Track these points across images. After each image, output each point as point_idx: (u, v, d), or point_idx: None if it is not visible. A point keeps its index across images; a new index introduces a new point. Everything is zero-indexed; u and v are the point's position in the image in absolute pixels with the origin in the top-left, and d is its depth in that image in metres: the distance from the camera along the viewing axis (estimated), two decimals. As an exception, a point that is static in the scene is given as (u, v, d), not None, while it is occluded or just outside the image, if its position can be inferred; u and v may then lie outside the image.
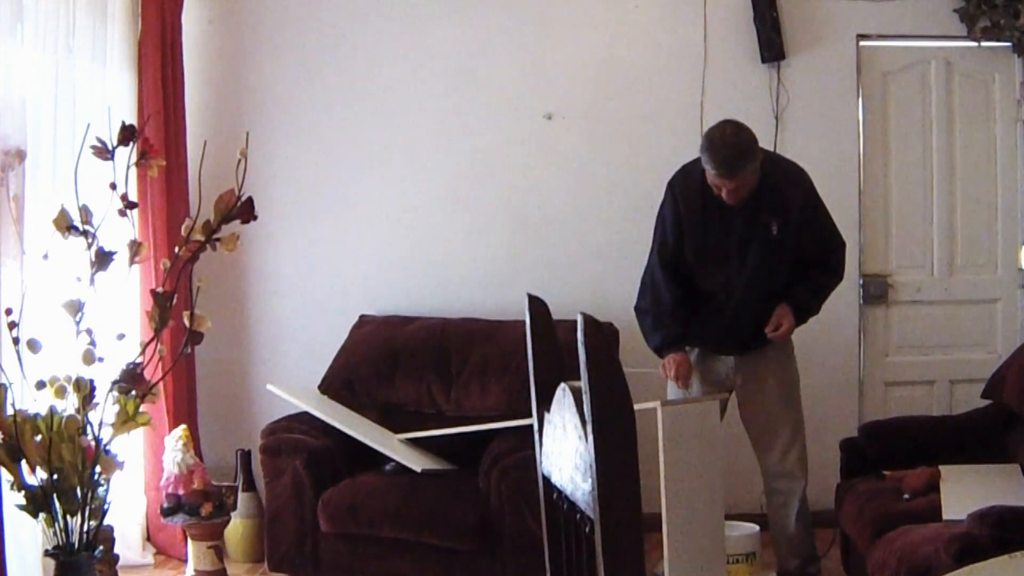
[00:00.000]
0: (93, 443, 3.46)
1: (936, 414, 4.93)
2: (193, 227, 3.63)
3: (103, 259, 3.58)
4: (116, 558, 3.96)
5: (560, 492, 1.99)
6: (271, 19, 5.23)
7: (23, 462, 3.39)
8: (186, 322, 3.68)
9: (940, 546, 3.10)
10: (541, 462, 2.15)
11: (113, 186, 3.59)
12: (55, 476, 3.41)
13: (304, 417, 4.48)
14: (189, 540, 4.51)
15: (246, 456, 4.87)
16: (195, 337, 3.69)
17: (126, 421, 3.53)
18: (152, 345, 3.63)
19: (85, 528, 3.47)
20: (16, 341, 3.39)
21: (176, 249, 3.72)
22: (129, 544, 4.65)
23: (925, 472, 3.79)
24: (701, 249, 4.04)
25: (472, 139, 5.22)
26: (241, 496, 4.80)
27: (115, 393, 3.54)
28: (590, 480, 1.71)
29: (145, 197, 4.62)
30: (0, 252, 3.76)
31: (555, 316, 2.24)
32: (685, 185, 4.04)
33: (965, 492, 3.58)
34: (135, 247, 3.67)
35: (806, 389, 4.31)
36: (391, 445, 4.41)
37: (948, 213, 5.25)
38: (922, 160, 5.24)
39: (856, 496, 3.90)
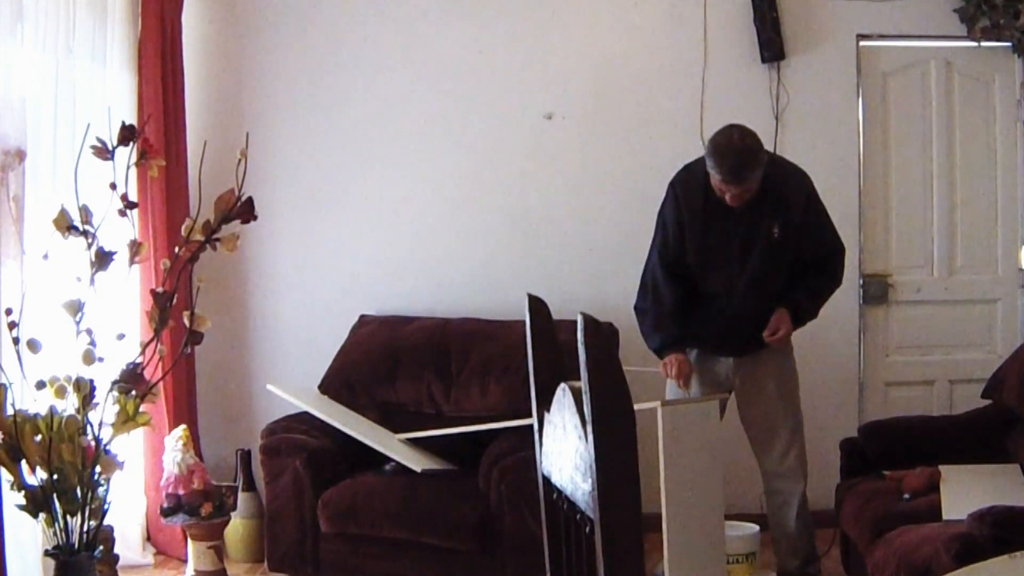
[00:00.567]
0: (93, 443, 3.46)
1: (936, 414, 4.93)
2: (193, 227, 3.63)
3: (103, 259, 3.58)
4: (116, 558, 3.96)
5: (560, 492, 1.99)
6: (271, 19, 5.23)
7: (23, 462, 3.39)
8: (186, 322, 3.68)
9: (940, 546, 3.10)
10: (541, 462, 2.15)
11: (113, 186, 3.59)
12: (55, 476, 3.41)
13: (304, 417, 4.48)
14: (189, 540, 4.51)
15: (246, 456, 4.87)
16: (195, 337, 3.69)
17: (126, 421, 3.53)
18: (152, 345, 3.63)
19: (85, 528, 3.47)
20: (16, 341, 3.39)
21: (176, 249, 3.72)
22: (129, 544, 4.65)
23: (925, 472, 3.79)
24: (702, 250, 4.03)
25: (472, 139, 5.22)
26: (241, 496, 4.80)
27: (115, 393, 3.54)
28: (590, 480, 1.71)
29: (145, 197, 4.62)
30: (0, 252, 3.76)
31: (555, 316, 2.25)
32: (687, 185, 4.04)
33: (965, 492, 3.58)
34: (135, 247, 3.67)
35: (806, 389, 4.31)
36: (391, 445, 4.41)
37: (948, 213, 5.26)
38: (922, 160, 5.24)
39: (856, 496, 3.90)
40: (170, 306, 3.66)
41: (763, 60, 5.10)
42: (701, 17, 5.13)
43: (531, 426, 2.21)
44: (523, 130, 5.20)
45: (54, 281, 3.78)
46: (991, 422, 4.18)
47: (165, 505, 4.43)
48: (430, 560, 4.13)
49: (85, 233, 3.54)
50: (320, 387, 4.77)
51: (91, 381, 3.49)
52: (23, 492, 3.41)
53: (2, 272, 3.74)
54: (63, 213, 3.53)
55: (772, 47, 5.06)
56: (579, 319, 1.72)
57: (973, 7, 5.06)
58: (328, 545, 4.25)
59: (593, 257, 5.17)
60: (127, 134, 3.64)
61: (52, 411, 3.43)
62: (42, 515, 3.45)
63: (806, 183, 4.05)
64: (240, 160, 3.57)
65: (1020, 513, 3.06)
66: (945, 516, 3.45)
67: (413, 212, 5.25)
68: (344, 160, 5.25)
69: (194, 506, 4.37)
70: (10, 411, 3.36)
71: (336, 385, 4.76)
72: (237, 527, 4.76)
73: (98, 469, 3.48)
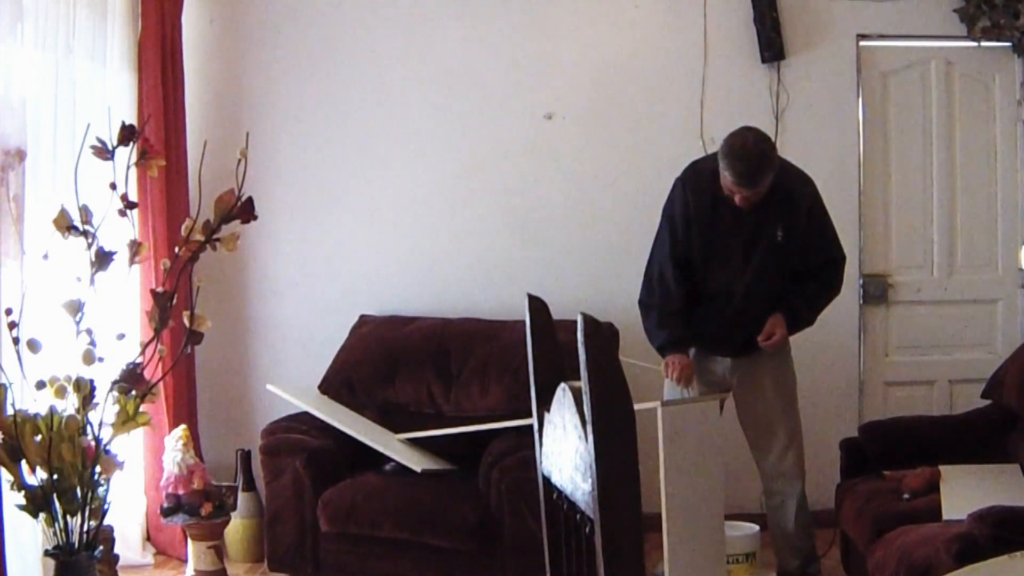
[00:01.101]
0: (93, 443, 3.46)
1: (936, 414, 4.93)
2: (193, 227, 3.62)
3: (103, 259, 3.57)
4: (116, 558, 3.96)
5: (560, 492, 1.99)
6: (271, 19, 5.23)
7: (23, 462, 3.38)
8: (186, 322, 3.67)
9: (940, 546, 3.10)
10: (541, 462, 2.15)
11: (113, 186, 3.59)
12: (55, 476, 3.40)
13: (304, 417, 4.48)
14: (189, 540, 4.51)
15: (246, 456, 4.87)
16: (195, 337, 3.69)
17: (126, 421, 3.53)
18: (152, 345, 3.63)
19: (85, 528, 3.46)
20: (16, 341, 3.39)
21: (176, 249, 3.71)
22: (129, 544, 4.65)
23: (925, 472, 3.79)
24: (707, 248, 4.04)
25: (472, 139, 5.22)
26: (241, 496, 4.79)
27: (115, 393, 3.54)
28: (590, 480, 1.71)
29: (145, 197, 4.63)
30: (0, 252, 3.76)
31: (555, 316, 2.24)
32: (696, 183, 4.04)
33: (965, 492, 3.58)
34: (135, 247, 3.66)
35: (806, 389, 4.31)
36: (391, 445, 4.41)
37: (948, 213, 5.25)
38: (922, 160, 5.24)
39: (856, 496, 3.90)
40: (170, 306, 3.65)
41: (763, 60, 5.10)
42: (701, 17, 5.13)
43: (531, 426, 2.21)
44: (523, 130, 5.20)
45: (54, 281, 3.78)
46: (991, 422, 4.18)
47: (165, 505, 4.43)
48: (430, 560, 4.13)
49: (85, 233, 3.53)
50: (320, 387, 4.77)
51: (91, 381, 3.48)
52: (23, 492, 3.40)
53: (2, 272, 3.74)
54: (63, 213, 3.52)
55: (772, 47, 5.06)
56: (579, 319, 1.72)
57: (973, 7, 5.06)
58: (328, 545, 4.25)
59: (593, 257, 5.17)
60: (127, 134, 3.64)
61: (52, 411, 3.43)
62: (42, 515, 3.45)
63: (812, 190, 4.06)
64: (240, 160, 3.56)
65: (1020, 513, 3.06)
66: (945, 516, 3.45)
67: (413, 212, 5.25)
68: (344, 160, 5.25)
69: (194, 506, 4.37)
70: (10, 411, 3.35)
71: (336, 385, 4.75)
72: (237, 527, 4.76)
73: (98, 469, 3.48)
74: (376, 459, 4.36)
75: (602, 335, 1.72)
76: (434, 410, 4.69)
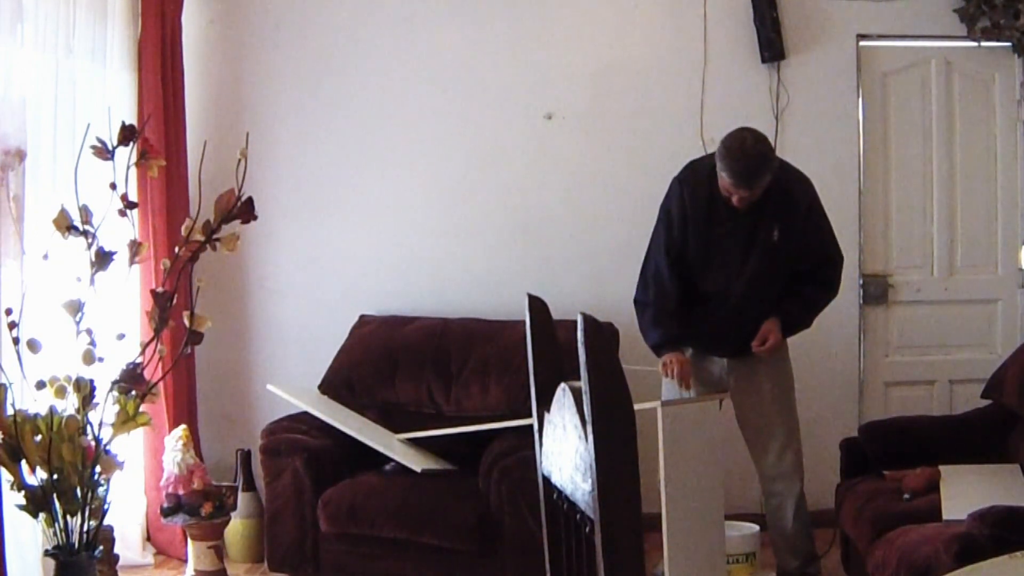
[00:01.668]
0: (93, 443, 3.46)
1: (936, 414, 4.93)
2: (193, 227, 3.63)
3: (103, 259, 3.58)
4: (116, 558, 3.96)
5: (560, 492, 1.99)
6: (271, 19, 5.23)
7: (23, 462, 3.39)
8: (186, 322, 3.68)
9: (940, 546, 3.10)
10: (541, 462, 2.15)
11: (113, 186, 3.59)
12: (55, 476, 3.40)
13: (304, 417, 4.48)
14: (189, 540, 4.51)
15: (246, 456, 4.87)
16: (195, 337, 3.69)
17: (126, 421, 3.53)
18: (152, 345, 3.63)
19: (85, 528, 3.47)
20: (16, 341, 3.39)
21: (176, 249, 3.71)
22: (129, 544, 4.65)
23: (925, 472, 3.79)
24: (704, 248, 4.03)
25: (472, 139, 5.22)
26: (241, 496, 4.79)
27: (115, 393, 3.54)
28: (590, 480, 1.71)
29: (145, 197, 4.62)
30: (0, 252, 3.76)
31: (555, 316, 2.24)
32: (693, 182, 4.04)
33: (965, 492, 3.58)
34: (135, 247, 3.66)
35: (806, 389, 4.31)
36: (391, 445, 4.41)
37: (948, 213, 5.25)
38: (922, 160, 5.24)
39: (856, 496, 3.90)
40: (170, 306, 3.66)
41: (763, 60, 5.10)
42: (701, 17, 5.13)
43: (531, 426, 2.21)
44: (523, 130, 5.20)
45: (54, 281, 3.78)
46: (991, 422, 4.18)
47: (165, 505, 4.43)
48: (430, 560, 4.13)
49: (85, 233, 3.54)
50: (320, 387, 4.77)
51: (91, 381, 3.49)
52: (23, 492, 3.41)
53: (2, 272, 3.74)
54: (63, 213, 3.52)
55: (772, 47, 5.06)
56: (579, 319, 1.71)
57: (973, 7, 5.06)
58: (328, 545, 4.25)
59: (593, 257, 5.17)
60: (127, 134, 3.64)
61: (52, 411, 3.43)
62: (42, 515, 3.45)
63: (810, 190, 4.06)
64: (240, 160, 3.57)
65: (1020, 513, 3.06)
66: (945, 516, 3.45)
67: (413, 212, 5.25)
68: (344, 160, 5.25)
69: (194, 506, 4.37)
70: (10, 411, 3.35)
71: (336, 385, 4.76)
72: (237, 527, 4.76)
73: (98, 469, 3.48)
74: (376, 459, 4.36)
75: (602, 335, 1.72)
76: (434, 410, 4.69)
